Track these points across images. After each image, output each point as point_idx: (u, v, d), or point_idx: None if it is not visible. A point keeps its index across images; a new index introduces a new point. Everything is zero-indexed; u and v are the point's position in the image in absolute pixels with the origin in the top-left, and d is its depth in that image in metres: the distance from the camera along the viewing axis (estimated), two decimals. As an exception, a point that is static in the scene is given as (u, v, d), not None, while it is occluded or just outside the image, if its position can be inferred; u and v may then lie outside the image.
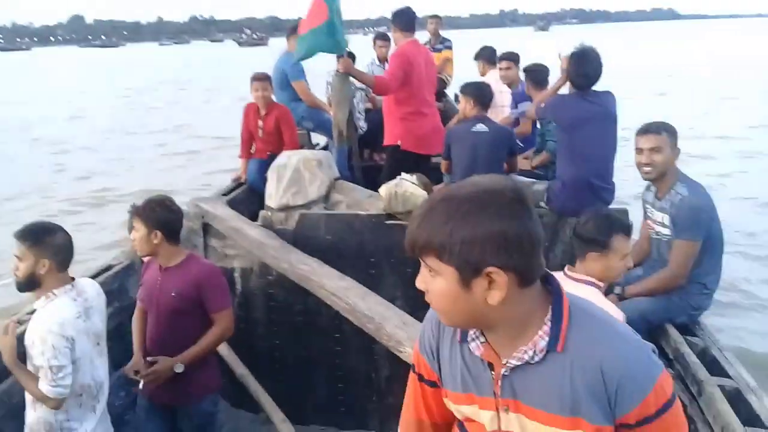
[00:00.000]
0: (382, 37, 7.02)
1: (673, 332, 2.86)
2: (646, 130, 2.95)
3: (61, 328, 2.32)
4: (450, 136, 4.27)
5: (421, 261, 1.13)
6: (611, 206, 3.65)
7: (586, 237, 2.34)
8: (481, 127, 4.07)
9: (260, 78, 4.88)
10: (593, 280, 2.31)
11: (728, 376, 2.47)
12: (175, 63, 60.38)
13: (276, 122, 4.91)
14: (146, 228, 2.72)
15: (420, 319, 2.73)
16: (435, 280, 1.12)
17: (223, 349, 3.54)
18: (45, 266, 2.37)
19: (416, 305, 3.35)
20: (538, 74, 4.73)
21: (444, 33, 8.09)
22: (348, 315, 3.10)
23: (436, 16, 7.96)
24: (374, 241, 3.74)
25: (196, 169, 11.85)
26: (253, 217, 4.05)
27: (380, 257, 3.75)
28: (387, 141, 4.83)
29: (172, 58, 74.07)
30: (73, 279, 2.50)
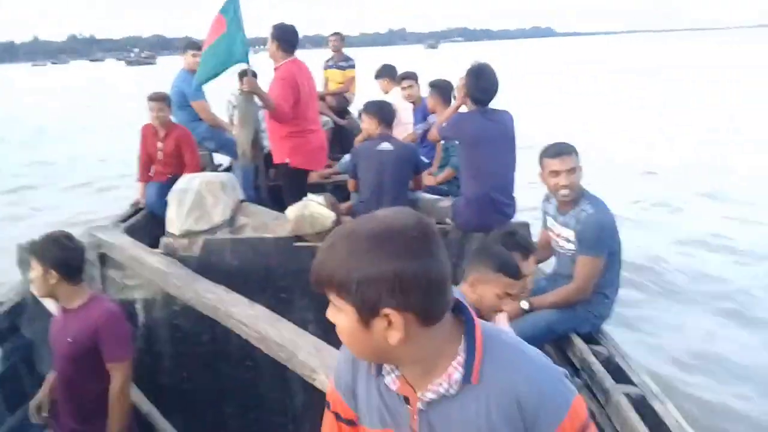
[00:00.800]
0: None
1: (578, 342, 2.97)
2: (559, 152, 2.99)
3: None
4: (356, 155, 4.28)
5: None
6: (513, 220, 3.77)
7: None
8: (386, 145, 4.11)
9: (157, 98, 4.70)
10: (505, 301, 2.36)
11: (633, 384, 2.58)
12: (51, 84, 56.79)
13: (176, 143, 4.77)
14: (42, 267, 2.55)
15: (333, 343, 2.72)
16: (338, 315, 1.10)
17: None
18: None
19: (329, 329, 3.30)
20: (443, 90, 4.83)
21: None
22: (259, 344, 3.01)
23: (338, 34, 7.96)
24: (283, 264, 3.67)
25: (93, 198, 11.08)
26: (154, 244, 3.88)
27: (290, 281, 3.68)
28: (276, 159, 4.82)
29: (46, 80, 69.29)
30: None
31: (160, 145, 4.78)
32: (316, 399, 2.67)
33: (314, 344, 2.83)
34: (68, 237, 2.66)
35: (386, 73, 6.37)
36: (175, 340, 3.74)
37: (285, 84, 4.48)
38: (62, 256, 2.57)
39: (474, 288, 2.28)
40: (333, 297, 1.09)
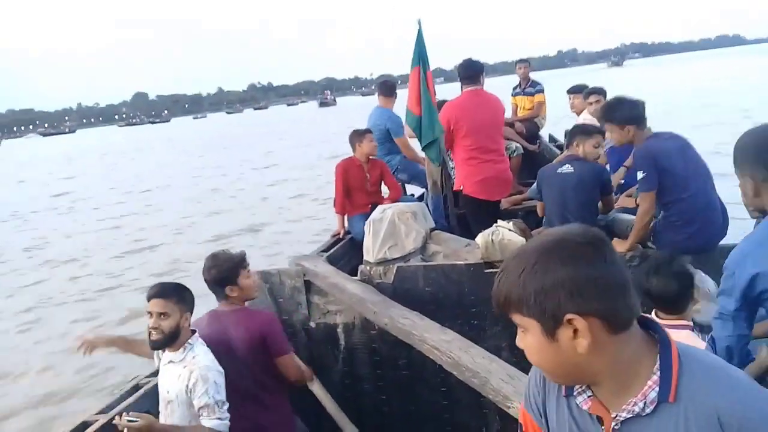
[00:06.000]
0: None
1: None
2: None
3: (218, 366, 2.64)
4: (540, 179, 4.19)
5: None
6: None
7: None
8: (567, 168, 3.97)
9: (369, 132, 5.20)
10: (685, 322, 2.17)
11: None
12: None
13: (380, 174, 5.11)
14: None
15: (526, 370, 2.66)
16: (526, 336, 1.11)
17: (331, 408, 3.54)
18: (187, 319, 2.67)
19: (522, 356, 3.24)
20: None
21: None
22: (452, 369, 3.04)
23: (524, 61, 7.96)
24: (474, 290, 3.68)
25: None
26: (354, 273, 4.11)
27: (481, 307, 3.68)
28: (455, 186, 5.08)
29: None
30: (194, 330, 2.74)
31: (367, 177, 5.12)
32: (512, 427, 2.62)
33: (507, 371, 2.80)
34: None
35: (578, 90, 6.21)
36: (374, 363, 3.91)
37: (443, 114, 4.86)
38: None
39: None
40: (516, 317, 1.11)
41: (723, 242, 3.48)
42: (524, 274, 1.06)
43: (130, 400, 2.94)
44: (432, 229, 4.42)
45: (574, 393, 1.18)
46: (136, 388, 3.09)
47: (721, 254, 2.40)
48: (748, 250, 2.07)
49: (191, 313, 2.72)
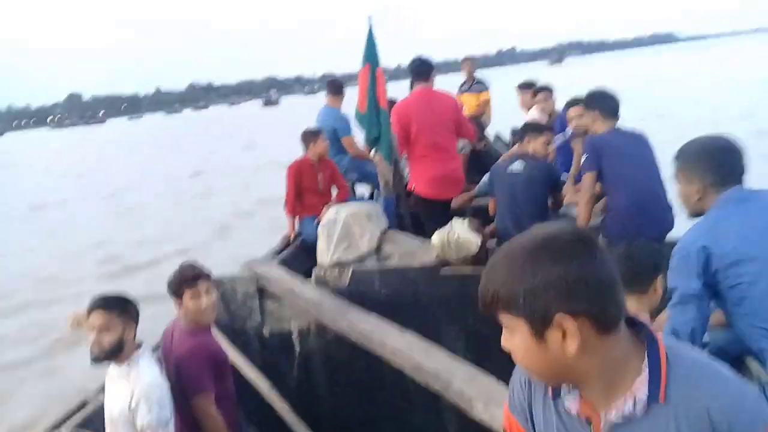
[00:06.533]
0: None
1: (754, 366, 2.66)
2: None
3: (163, 381, 2.50)
4: (491, 176, 4.20)
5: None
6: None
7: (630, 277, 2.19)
8: (516, 166, 3.97)
9: (320, 132, 5.11)
10: (640, 316, 2.19)
11: None
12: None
13: (332, 175, 5.07)
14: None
15: (488, 371, 2.63)
16: (512, 336, 1.09)
17: (287, 416, 3.45)
18: (131, 332, 2.51)
19: (480, 355, 3.25)
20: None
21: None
22: (413, 373, 2.99)
23: (469, 59, 8.00)
24: (431, 291, 3.66)
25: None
26: (307, 275, 4.03)
27: (438, 308, 3.66)
28: (409, 186, 5.10)
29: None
30: (140, 344, 2.58)
31: (319, 177, 5.04)
32: (473, 429, 2.61)
33: (469, 373, 2.77)
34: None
35: (527, 86, 6.31)
36: (329, 369, 3.84)
37: (393, 114, 4.85)
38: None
39: (637, 300, 2.22)
40: (503, 317, 1.08)
41: (669, 237, 3.56)
42: (513, 274, 1.04)
43: (76, 417, 2.80)
44: (386, 229, 4.37)
45: (562, 394, 1.16)
46: (83, 404, 2.94)
47: (670, 248, 2.46)
48: (700, 233, 2.20)
49: (136, 324, 2.55)
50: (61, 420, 2.81)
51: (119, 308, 2.49)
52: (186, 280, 2.82)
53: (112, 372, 2.56)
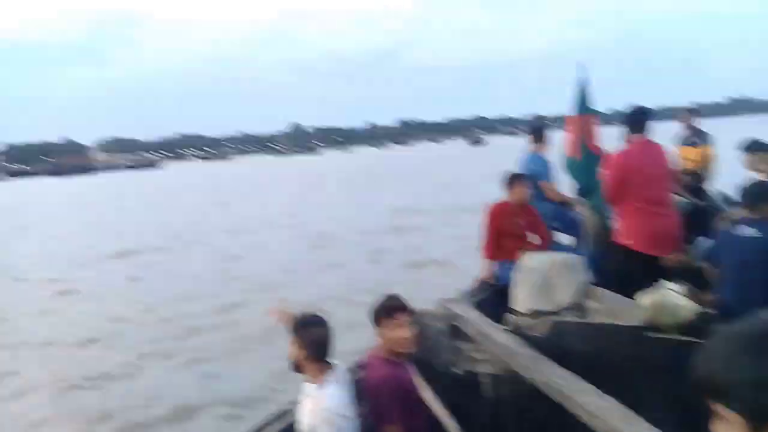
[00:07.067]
0: None
1: None
2: None
3: (345, 410, 2.58)
4: (716, 240, 3.84)
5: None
6: None
7: None
8: (749, 231, 3.57)
9: (523, 176, 5.09)
10: None
11: None
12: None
13: (532, 221, 4.98)
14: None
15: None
16: (724, 426, 0.98)
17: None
18: (302, 354, 2.64)
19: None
20: None
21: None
22: (610, 440, 2.81)
23: (688, 110, 7.50)
24: (635, 355, 3.41)
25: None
26: (499, 320, 3.98)
27: (641, 374, 3.40)
28: (619, 240, 4.81)
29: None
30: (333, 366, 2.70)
31: (519, 221, 5.00)
32: None
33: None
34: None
35: (757, 147, 5.69)
36: (520, 419, 3.73)
37: (611, 164, 4.69)
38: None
39: None
40: (717, 406, 0.98)
41: None
42: (732, 362, 0.94)
43: (276, 425, 3.01)
44: (587, 284, 4.18)
45: None
46: (283, 413, 3.15)
47: None
48: None
49: (306, 350, 2.65)
50: (260, 426, 3.02)
51: (294, 328, 2.67)
52: (388, 310, 2.91)
53: (306, 389, 2.72)
